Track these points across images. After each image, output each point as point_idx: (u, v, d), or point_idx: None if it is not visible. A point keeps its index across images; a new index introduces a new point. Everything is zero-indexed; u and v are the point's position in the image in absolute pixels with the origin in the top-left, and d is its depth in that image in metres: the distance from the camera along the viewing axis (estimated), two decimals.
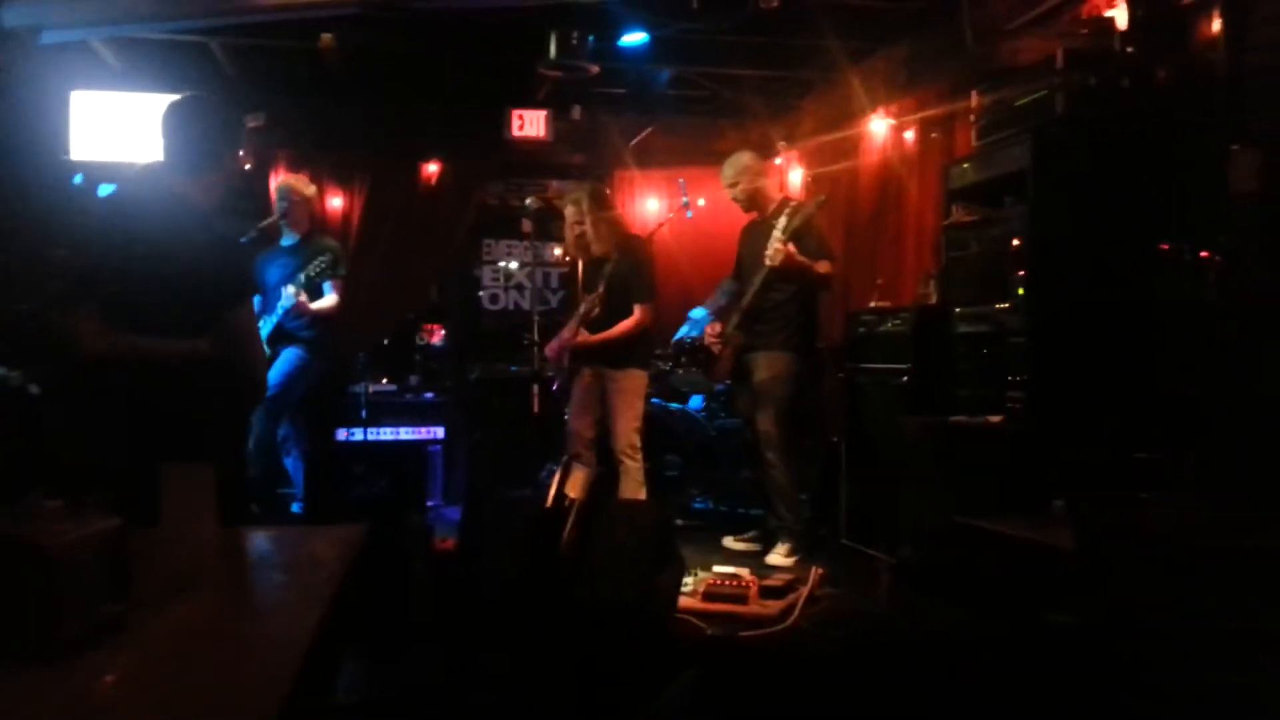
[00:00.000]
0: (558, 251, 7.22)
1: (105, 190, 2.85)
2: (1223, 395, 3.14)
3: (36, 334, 2.59)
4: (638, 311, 4.70)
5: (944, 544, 3.37)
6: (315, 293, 5.14)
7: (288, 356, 5.11)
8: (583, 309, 4.76)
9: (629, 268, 4.70)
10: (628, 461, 4.67)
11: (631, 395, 4.73)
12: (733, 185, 4.90)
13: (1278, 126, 3.23)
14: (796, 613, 3.59)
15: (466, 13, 4.90)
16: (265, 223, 5.35)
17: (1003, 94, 3.94)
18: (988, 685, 2.55)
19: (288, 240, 5.37)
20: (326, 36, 5.42)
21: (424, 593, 3.01)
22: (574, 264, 5.07)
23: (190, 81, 5.72)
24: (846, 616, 3.66)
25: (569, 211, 4.87)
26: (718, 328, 4.99)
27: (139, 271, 2.42)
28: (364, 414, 5.82)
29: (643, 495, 4.66)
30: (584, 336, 4.75)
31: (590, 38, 5.33)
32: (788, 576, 3.98)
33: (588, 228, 4.76)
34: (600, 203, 4.83)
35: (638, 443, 4.73)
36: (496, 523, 2.99)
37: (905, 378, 4.37)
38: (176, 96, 2.69)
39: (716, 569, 4.07)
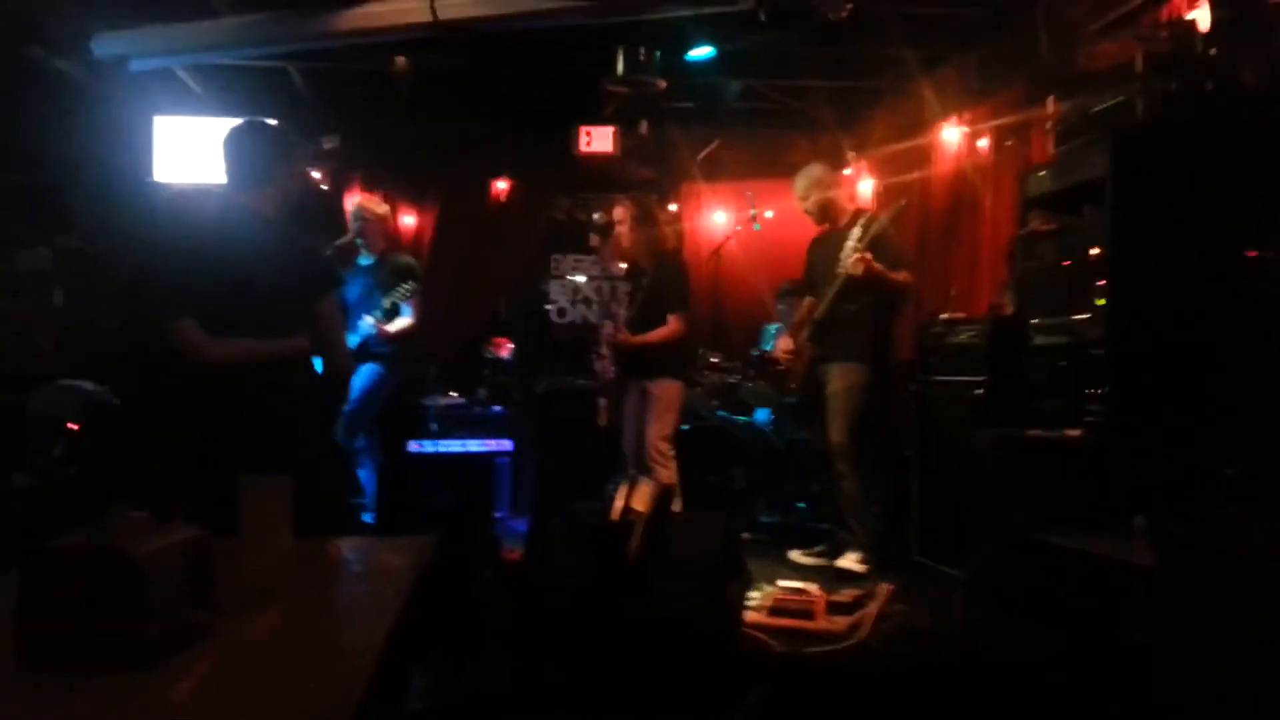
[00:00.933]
0: (624, 266, 7.27)
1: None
2: None
3: (132, 348, 2.71)
4: (671, 321, 4.83)
5: (1019, 561, 3.29)
6: (393, 313, 5.26)
7: (366, 372, 5.23)
8: (622, 315, 5.02)
9: (664, 279, 4.89)
10: (657, 469, 4.75)
11: (663, 404, 4.83)
12: (805, 198, 4.88)
13: None
14: (865, 629, 3.53)
15: (534, 33, 4.97)
16: (340, 241, 5.49)
17: (1080, 100, 3.84)
18: (1061, 705, 2.47)
19: (365, 260, 5.50)
20: (400, 59, 5.56)
21: (492, 603, 3.04)
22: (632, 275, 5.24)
23: (269, 105, 5.92)
24: (917, 634, 3.58)
25: (618, 215, 5.09)
26: (789, 342, 4.97)
27: (224, 280, 2.59)
28: (434, 426, 5.91)
29: (676, 506, 4.69)
30: (624, 335, 4.97)
31: (657, 53, 5.36)
32: (856, 592, 3.92)
33: (626, 239, 5.01)
34: (643, 217, 5.00)
35: (667, 450, 4.80)
36: (563, 535, 3.01)
37: (980, 390, 4.27)
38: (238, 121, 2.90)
39: (783, 583, 4.03)
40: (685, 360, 5.10)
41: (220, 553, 1.62)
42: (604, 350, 5.26)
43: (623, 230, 5.04)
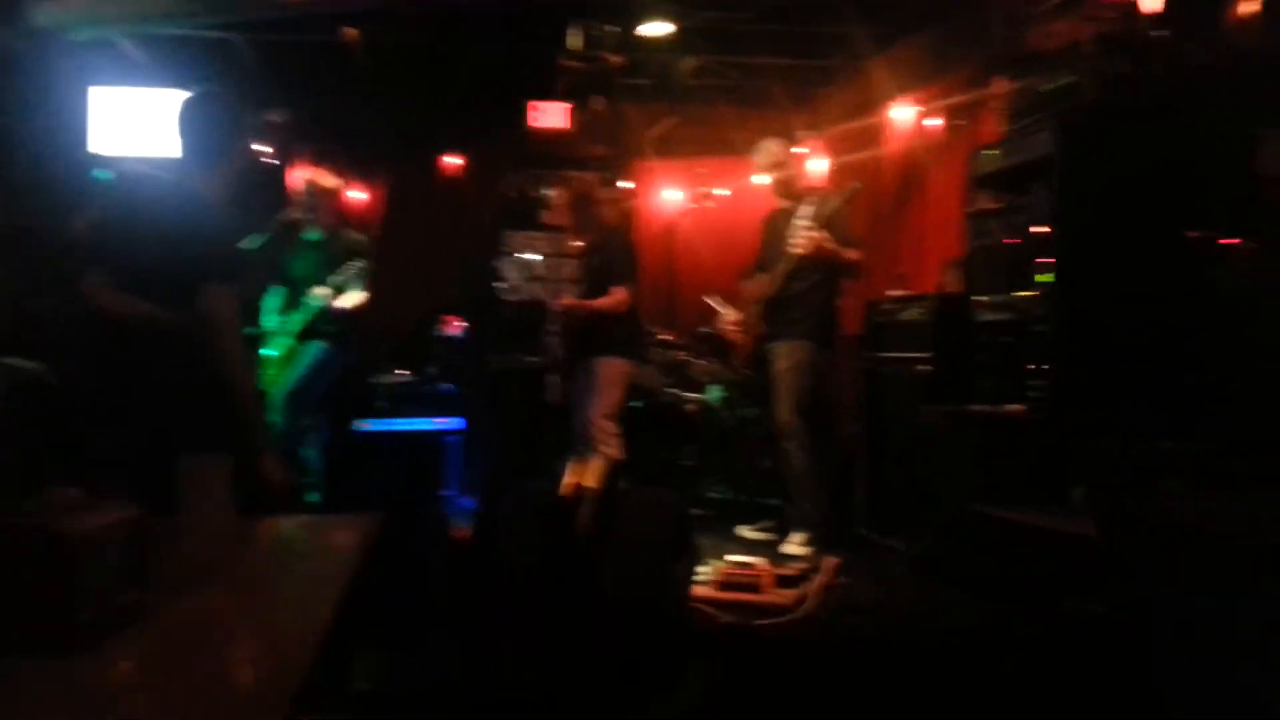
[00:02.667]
0: (577, 243, 7.25)
1: (101, 175, 2.99)
2: (1247, 384, 3.09)
3: (64, 321, 2.65)
4: (616, 292, 4.84)
5: (963, 533, 3.35)
6: (342, 290, 5.18)
7: (313, 350, 5.15)
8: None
9: (610, 255, 4.92)
10: (600, 447, 4.75)
11: (607, 382, 4.84)
12: (773, 168, 4.89)
13: None
14: (812, 601, 3.57)
15: (487, 5, 4.90)
16: (287, 216, 5.39)
17: (1030, 80, 3.88)
18: (1005, 675, 2.53)
19: (314, 235, 5.41)
20: (350, 31, 5.45)
21: (440, 582, 3.03)
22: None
23: (215, 76, 5.78)
24: (863, 606, 3.64)
25: (557, 199, 5.26)
26: (736, 318, 4.99)
27: (140, 247, 2.55)
28: (383, 405, 5.85)
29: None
30: (569, 300, 5.05)
31: (613, 28, 5.32)
32: (803, 566, 3.97)
33: (565, 219, 5.12)
34: (579, 198, 5.05)
35: (609, 428, 4.81)
36: (513, 512, 3.00)
37: (926, 366, 4.33)
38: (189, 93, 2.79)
39: (731, 558, 4.06)
40: (631, 338, 5.11)
41: (160, 532, 1.60)
42: (554, 327, 5.27)
43: (562, 212, 5.09)
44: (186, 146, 2.73)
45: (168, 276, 2.54)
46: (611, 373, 4.87)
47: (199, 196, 2.68)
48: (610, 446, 4.76)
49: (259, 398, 2.96)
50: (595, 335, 4.91)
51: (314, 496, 4.95)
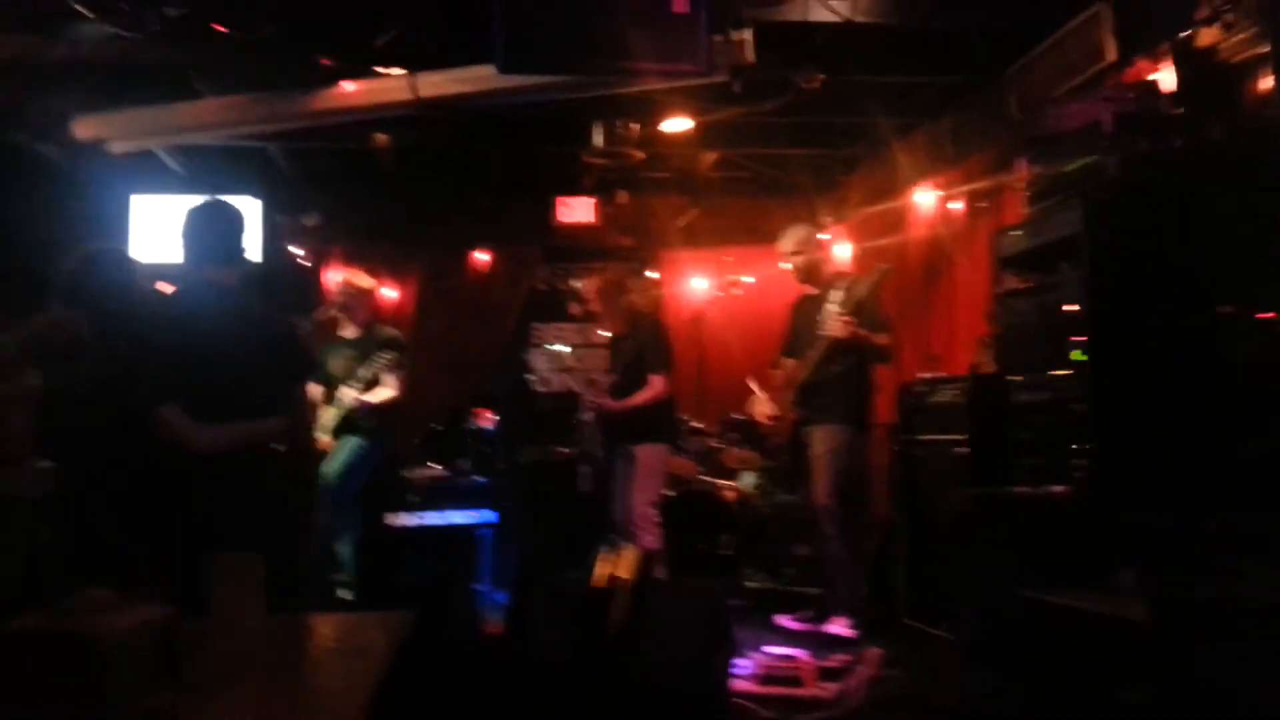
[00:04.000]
0: (607, 334, 7.30)
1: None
2: None
3: (105, 425, 2.67)
4: (653, 381, 4.86)
5: (1009, 620, 3.24)
6: (375, 384, 5.24)
7: (349, 446, 5.18)
8: (604, 382, 5.12)
9: (643, 343, 4.95)
10: (641, 535, 4.71)
11: (647, 469, 4.84)
12: (795, 254, 4.92)
13: None
14: (856, 695, 3.46)
15: (513, 107, 5.05)
16: (319, 314, 5.49)
17: (1051, 161, 3.91)
18: None
19: (349, 333, 5.49)
20: (380, 136, 5.62)
21: (473, 679, 2.96)
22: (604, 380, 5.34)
23: (250, 183, 5.97)
24: (908, 698, 3.52)
25: (589, 290, 5.24)
26: (771, 405, 4.97)
27: (203, 363, 2.58)
28: (415, 499, 5.84)
29: (660, 573, 4.64)
30: (608, 401, 5.01)
31: (635, 125, 5.45)
32: (846, 657, 3.86)
33: (597, 308, 5.16)
34: (611, 288, 5.11)
35: (652, 516, 4.80)
36: (545, 606, 2.95)
37: (963, 449, 4.27)
38: (198, 200, 2.91)
39: (771, 650, 3.96)
40: (669, 424, 5.11)
41: (190, 632, 1.58)
42: (588, 416, 5.28)
43: (593, 302, 5.13)
44: (196, 250, 2.79)
45: (250, 390, 2.60)
46: (652, 460, 4.86)
47: (247, 302, 2.75)
48: (652, 534, 4.71)
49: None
50: (632, 423, 4.91)
51: (347, 592, 4.91)
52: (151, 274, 3.19)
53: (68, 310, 2.80)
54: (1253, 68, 3.45)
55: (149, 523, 2.47)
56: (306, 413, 2.74)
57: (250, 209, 5.42)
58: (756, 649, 4.02)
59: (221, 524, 2.38)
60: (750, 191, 7.12)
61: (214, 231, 2.82)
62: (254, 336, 2.68)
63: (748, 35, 4.03)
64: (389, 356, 5.18)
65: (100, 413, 2.54)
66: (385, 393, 5.28)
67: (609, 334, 5.30)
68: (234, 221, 2.86)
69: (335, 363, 5.27)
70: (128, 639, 1.38)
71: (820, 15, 4.18)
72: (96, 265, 2.92)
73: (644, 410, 4.88)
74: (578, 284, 6.01)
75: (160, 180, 5.81)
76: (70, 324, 2.72)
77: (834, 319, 4.55)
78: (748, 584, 5.60)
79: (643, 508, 4.78)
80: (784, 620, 4.84)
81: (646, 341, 4.97)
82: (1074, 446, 3.48)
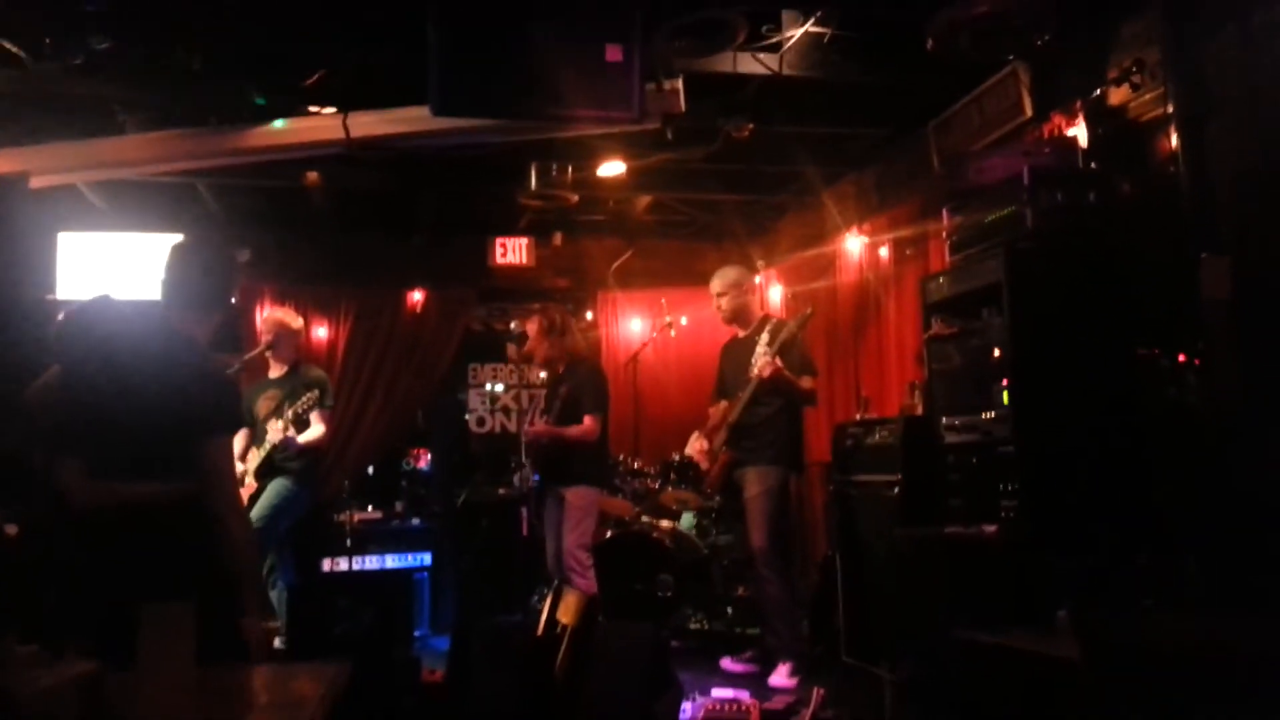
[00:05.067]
0: (543, 375, 7.29)
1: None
2: (1210, 499, 3.13)
3: (21, 476, 2.55)
4: (587, 420, 4.88)
5: (946, 659, 3.29)
6: (302, 425, 5.14)
7: (275, 488, 5.06)
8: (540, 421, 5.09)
9: (580, 383, 4.97)
10: (574, 578, 4.69)
11: (579, 511, 4.83)
12: (721, 295, 4.99)
13: (1243, 234, 3.32)
14: None
15: (448, 150, 5.05)
16: (249, 355, 5.38)
17: (973, 212, 4.05)
18: None
19: (275, 372, 5.38)
20: (312, 174, 5.56)
21: None
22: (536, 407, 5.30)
23: (177, 220, 5.84)
24: None
25: (530, 329, 5.21)
26: (704, 444, 5.00)
27: (124, 409, 2.42)
28: (349, 543, 5.72)
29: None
30: (540, 425, 5.00)
31: (569, 168, 5.49)
32: (789, 699, 3.86)
33: (537, 349, 5.14)
34: (551, 327, 5.12)
35: (585, 559, 4.79)
36: (487, 652, 2.90)
37: (896, 489, 4.34)
38: (180, 238, 2.80)
39: (716, 692, 3.95)
40: (601, 466, 5.10)
41: (116, 686, 1.52)
42: (524, 458, 5.24)
43: (533, 341, 5.12)
44: (178, 290, 2.64)
45: (164, 438, 2.41)
46: (583, 502, 4.84)
47: (197, 347, 2.60)
48: (585, 578, 4.68)
49: (255, 549, 2.82)
50: (563, 464, 4.89)
51: (278, 641, 4.76)
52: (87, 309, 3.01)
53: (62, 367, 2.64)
54: (1159, 126, 3.64)
55: (71, 575, 2.35)
56: (219, 473, 2.50)
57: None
58: (701, 691, 4.00)
59: (146, 574, 2.28)
60: (684, 235, 7.22)
61: (204, 275, 2.66)
62: (182, 383, 2.52)
63: (679, 85, 4.11)
64: (313, 395, 5.10)
65: (11, 463, 2.42)
66: (314, 432, 5.18)
67: (546, 374, 5.29)
68: (227, 268, 2.74)
69: (261, 403, 5.16)
70: (52, 697, 1.32)
71: (750, 67, 4.29)
72: (83, 319, 2.73)
73: (575, 452, 4.86)
74: (516, 323, 5.97)
75: (85, 217, 5.65)
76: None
77: (760, 359, 4.63)
78: (689, 626, 5.59)
79: (574, 550, 4.76)
80: (727, 663, 4.83)
81: (583, 382, 4.99)
82: (1002, 487, 3.57)
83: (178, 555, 2.40)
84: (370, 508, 6.31)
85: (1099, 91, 3.88)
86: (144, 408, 2.42)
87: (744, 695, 3.88)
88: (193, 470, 2.44)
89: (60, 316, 2.84)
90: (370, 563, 5.89)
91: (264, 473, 5.04)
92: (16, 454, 2.41)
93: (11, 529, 2.57)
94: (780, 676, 4.48)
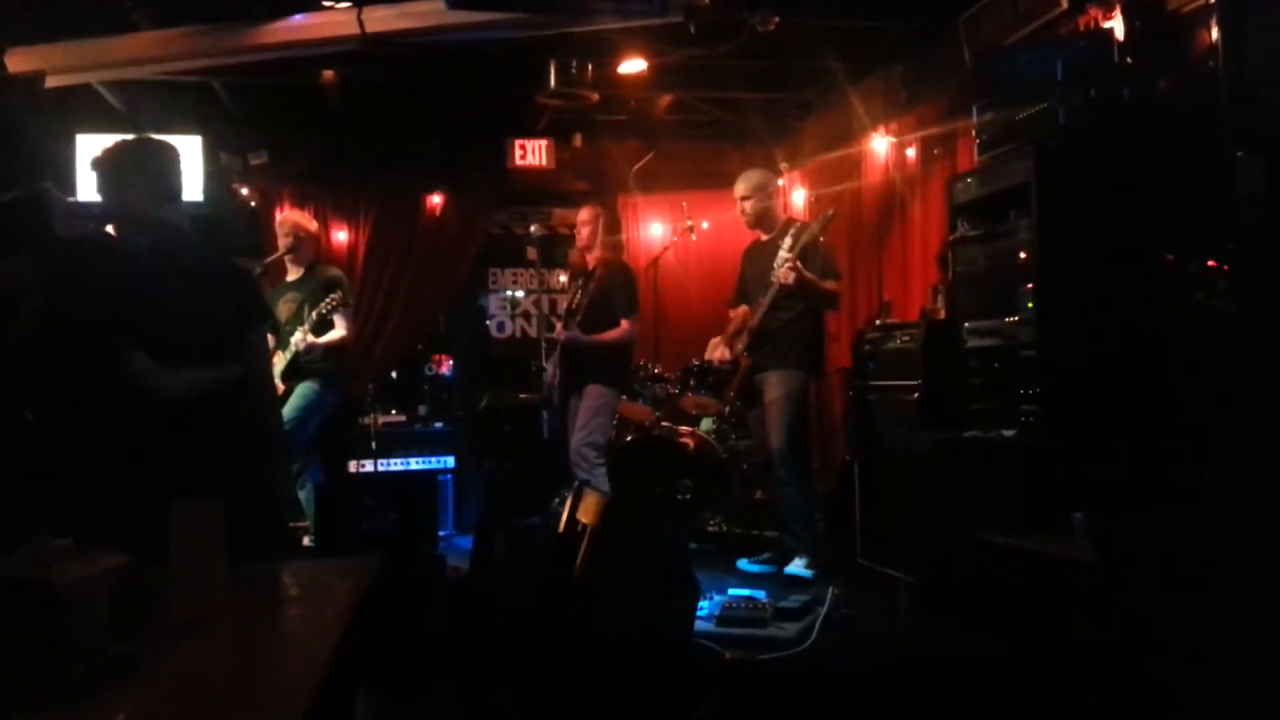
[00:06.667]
0: (563, 278, 7.27)
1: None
2: (1237, 404, 3.11)
3: (59, 371, 2.60)
4: (624, 324, 4.86)
5: (961, 561, 3.33)
6: (325, 326, 5.16)
7: (302, 391, 5.11)
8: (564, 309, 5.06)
9: (613, 284, 4.91)
10: (578, 471, 4.75)
11: (589, 410, 4.83)
12: (746, 198, 4.90)
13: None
14: (815, 634, 3.55)
15: (465, 46, 4.93)
16: (270, 258, 5.38)
17: (1003, 110, 3.94)
18: (1009, 705, 2.51)
19: (292, 275, 5.39)
20: (328, 73, 5.46)
21: (438, 623, 2.98)
22: (572, 302, 5.21)
23: (194, 121, 5.78)
24: (865, 637, 3.61)
25: (584, 215, 5.11)
26: (724, 353, 5.00)
27: (166, 308, 2.51)
28: (374, 445, 5.82)
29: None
30: (577, 334, 4.92)
31: (589, 66, 5.36)
32: (804, 598, 3.94)
33: (594, 236, 5.02)
34: (610, 223, 5.06)
35: (592, 456, 4.81)
36: (508, 551, 2.97)
37: (916, 394, 4.34)
38: (123, 138, 2.80)
39: (732, 592, 4.03)
40: (620, 367, 5.09)
41: (150, 581, 1.56)
42: (546, 364, 5.24)
43: (589, 231, 5.03)
44: (149, 189, 2.66)
45: (219, 329, 2.56)
46: (595, 401, 4.86)
47: (203, 246, 2.67)
48: (592, 476, 4.73)
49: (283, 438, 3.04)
50: (584, 365, 4.90)
51: (308, 539, 4.89)
52: (81, 213, 3.05)
53: (3, 259, 2.68)
54: (1200, 18, 3.49)
55: (106, 471, 2.42)
56: (264, 359, 2.68)
57: (192, 146, 5.27)
58: (718, 591, 4.09)
59: (181, 472, 2.34)
60: (706, 136, 7.07)
61: (157, 170, 2.69)
62: (207, 280, 2.61)
63: None
64: (336, 296, 5.11)
65: (52, 360, 2.47)
66: (336, 333, 5.21)
67: (582, 267, 5.16)
68: (173, 159, 2.75)
69: (281, 306, 5.18)
70: (87, 587, 1.36)
71: None
72: (26, 211, 2.79)
73: (598, 351, 4.86)
74: (534, 228, 5.90)
75: (103, 118, 5.59)
76: (8, 272, 2.61)
77: (783, 264, 4.57)
78: (708, 528, 5.69)
79: (580, 447, 4.80)
80: (744, 563, 4.93)
81: (618, 283, 4.93)
82: (1024, 392, 3.55)
83: (212, 453, 2.47)
84: (394, 411, 6.39)
85: None
86: (199, 300, 2.53)
87: (760, 594, 3.96)
88: (235, 357, 2.56)
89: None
90: (395, 465, 5.99)
91: (290, 375, 5.09)
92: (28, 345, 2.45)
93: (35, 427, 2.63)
94: (797, 566, 4.58)
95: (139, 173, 2.67)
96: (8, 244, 2.74)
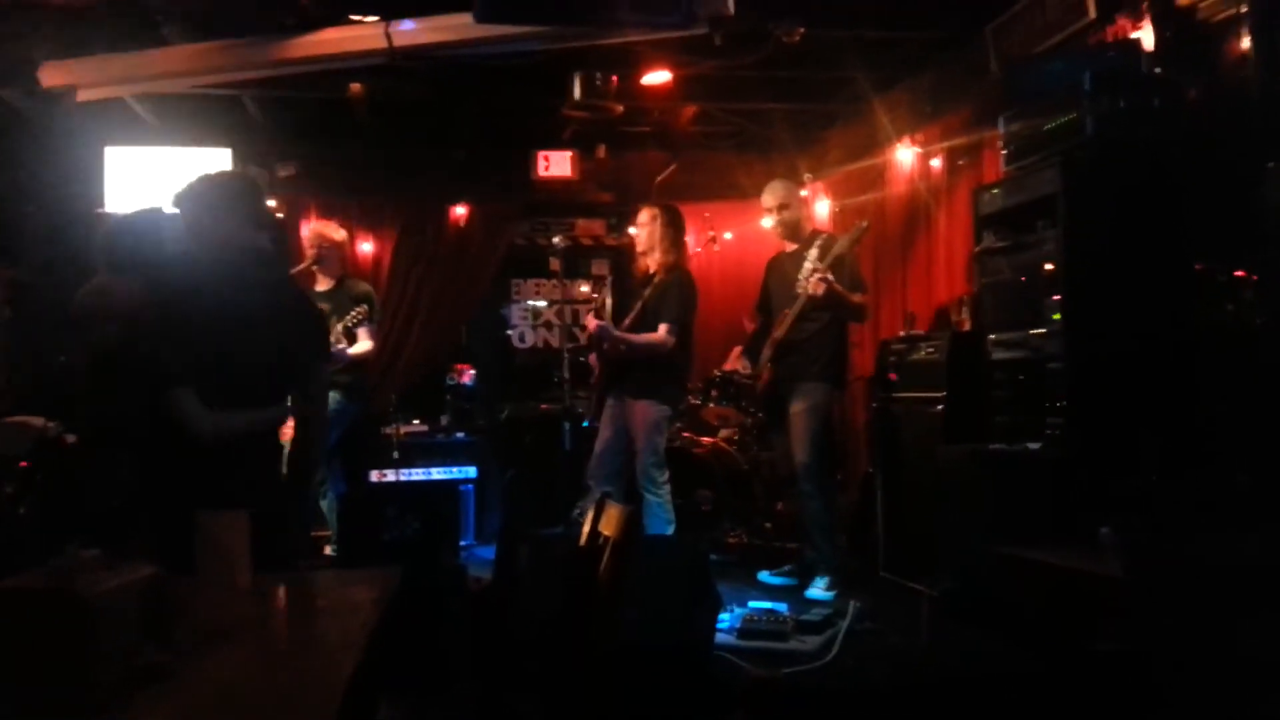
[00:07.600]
0: (585, 289, 7.29)
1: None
2: (1266, 416, 3.06)
3: (95, 387, 2.63)
4: (661, 329, 4.68)
5: (985, 575, 3.30)
6: (350, 339, 5.21)
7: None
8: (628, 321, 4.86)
9: (668, 288, 4.76)
10: (648, 495, 4.66)
11: (646, 428, 4.68)
12: (782, 208, 4.86)
13: None
14: (836, 648, 3.53)
15: (490, 58, 4.96)
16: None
17: (1030, 120, 3.91)
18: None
19: (322, 286, 5.45)
20: (355, 86, 5.52)
21: (460, 633, 2.99)
22: (603, 301, 5.13)
23: (223, 133, 5.85)
24: (887, 651, 3.59)
25: (642, 216, 4.95)
26: (746, 365, 4.99)
27: (240, 342, 2.54)
28: (396, 455, 5.85)
29: (669, 530, 4.64)
30: (610, 328, 4.79)
31: (613, 78, 5.38)
32: (826, 611, 3.92)
33: (652, 237, 4.85)
34: (673, 223, 4.89)
35: (658, 477, 4.70)
36: (531, 562, 2.97)
37: (940, 406, 4.31)
38: (214, 172, 2.82)
39: (753, 605, 4.02)
40: (672, 383, 4.87)
41: (178, 591, 1.58)
42: (585, 356, 5.12)
43: (650, 233, 4.86)
44: (236, 218, 2.67)
45: (276, 368, 2.58)
46: (650, 417, 4.69)
47: (283, 276, 2.70)
48: (658, 494, 4.65)
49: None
50: (631, 373, 4.76)
51: (330, 548, 4.93)
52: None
53: (114, 276, 2.72)
54: (1231, 27, 3.45)
55: (143, 487, 2.44)
56: (326, 389, 2.69)
57: (221, 159, 5.34)
58: (739, 603, 4.07)
59: (213, 485, 2.36)
60: (730, 147, 7.07)
61: (247, 198, 2.72)
62: (286, 312, 2.63)
63: None
64: (363, 310, 5.15)
65: (118, 376, 2.50)
66: (363, 346, 5.26)
67: (645, 273, 4.97)
68: (259, 191, 2.82)
69: None
70: (116, 598, 1.38)
71: None
72: (135, 229, 2.83)
73: (637, 356, 4.72)
74: (557, 239, 5.89)
75: (133, 131, 5.68)
76: (119, 288, 2.65)
77: (811, 276, 4.55)
78: (729, 539, 5.67)
79: (645, 468, 4.66)
80: (765, 575, 4.90)
81: (673, 288, 4.76)
82: (1049, 404, 3.52)
83: (245, 468, 2.50)
84: (416, 421, 6.43)
85: None
86: (258, 339, 2.55)
87: (782, 607, 3.94)
88: (285, 395, 2.60)
89: (109, 226, 2.89)
90: (417, 475, 6.02)
91: None
92: (71, 366, 2.49)
93: (70, 439, 2.66)
94: (818, 589, 4.54)
95: (243, 201, 2.71)
96: (122, 263, 2.77)
